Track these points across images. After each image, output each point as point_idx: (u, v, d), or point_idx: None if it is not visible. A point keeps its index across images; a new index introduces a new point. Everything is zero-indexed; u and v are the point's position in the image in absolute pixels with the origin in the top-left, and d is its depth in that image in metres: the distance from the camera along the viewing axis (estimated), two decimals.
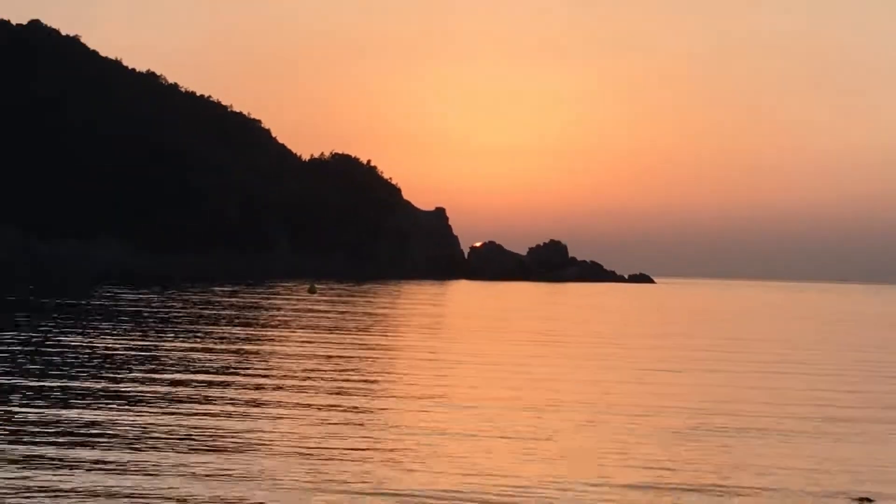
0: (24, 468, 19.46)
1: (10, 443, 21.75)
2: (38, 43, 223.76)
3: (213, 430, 24.03)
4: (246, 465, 20.07)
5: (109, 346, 45.35)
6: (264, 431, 24.32)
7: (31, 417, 25.01)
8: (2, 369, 34.46)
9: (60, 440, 22.29)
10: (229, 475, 19.12)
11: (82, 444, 21.96)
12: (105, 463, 20.01)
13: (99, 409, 26.90)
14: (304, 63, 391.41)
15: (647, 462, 22.03)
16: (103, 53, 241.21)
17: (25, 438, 22.26)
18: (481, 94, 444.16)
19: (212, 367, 38.83)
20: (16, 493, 17.61)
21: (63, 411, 26.14)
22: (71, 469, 19.66)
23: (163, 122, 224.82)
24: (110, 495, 17.53)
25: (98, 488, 17.93)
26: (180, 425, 24.62)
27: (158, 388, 31.67)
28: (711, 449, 24.14)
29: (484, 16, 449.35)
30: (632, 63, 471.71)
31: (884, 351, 63.76)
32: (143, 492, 17.68)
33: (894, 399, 37.24)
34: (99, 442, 22.47)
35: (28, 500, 17.22)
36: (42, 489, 17.91)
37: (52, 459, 20.26)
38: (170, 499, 17.38)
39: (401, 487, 18.52)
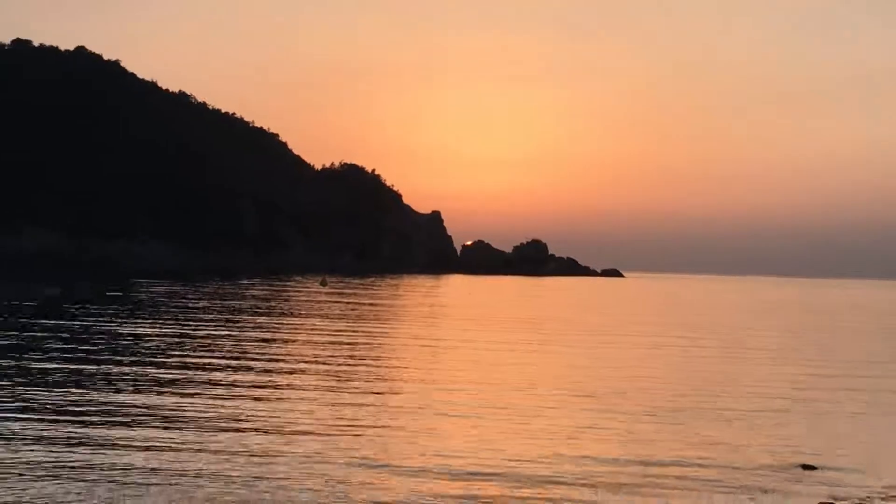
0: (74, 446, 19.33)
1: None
2: (83, 67, 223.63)
3: (234, 412, 23.99)
4: (266, 444, 19.97)
5: (147, 332, 45.39)
6: (283, 411, 24.33)
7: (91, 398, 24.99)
8: (66, 354, 35.29)
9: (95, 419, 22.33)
10: (250, 453, 19.02)
11: (123, 424, 21.80)
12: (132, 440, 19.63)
13: (138, 392, 26.91)
14: (317, 85, 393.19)
15: (616, 437, 22.28)
16: (140, 76, 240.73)
17: (95, 419, 22.23)
18: (471, 113, 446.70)
19: (236, 350, 38.86)
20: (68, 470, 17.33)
21: (102, 394, 26.04)
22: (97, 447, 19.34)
23: (193, 136, 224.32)
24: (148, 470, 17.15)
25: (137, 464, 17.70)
26: (206, 406, 24.61)
27: (187, 372, 31.64)
28: (672, 426, 24.32)
29: (473, 48, 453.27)
30: (600, 86, 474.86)
31: (812, 335, 62.73)
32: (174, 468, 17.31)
33: (819, 381, 36.64)
34: (135, 422, 22.22)
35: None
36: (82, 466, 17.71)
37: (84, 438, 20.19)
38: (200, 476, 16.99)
39: (403, 462, 18.62)
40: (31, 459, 17.79)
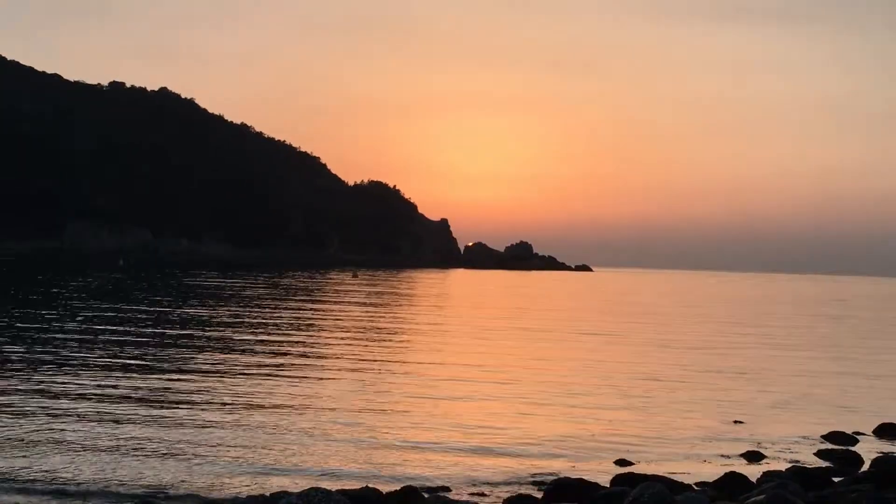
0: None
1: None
2: (166, 104, 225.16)
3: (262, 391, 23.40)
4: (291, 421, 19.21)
5: (205, 315, 45.61)
6: (312, 389, 23.94)
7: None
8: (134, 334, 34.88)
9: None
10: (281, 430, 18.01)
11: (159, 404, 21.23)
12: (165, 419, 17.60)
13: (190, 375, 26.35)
14: (350, 116, 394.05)
15: (584, 411, 21.93)
16: (210, 111, 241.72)
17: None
18: (473, 139, 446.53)
19: (282, 327, 38.34)
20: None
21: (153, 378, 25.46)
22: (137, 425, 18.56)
23: (251, 158, 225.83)
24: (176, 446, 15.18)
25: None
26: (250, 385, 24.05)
27: (247, 350, 31.44)
28: (625, 398, 23.99)
29: (475, 85, 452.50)
30: (577, 116, 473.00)
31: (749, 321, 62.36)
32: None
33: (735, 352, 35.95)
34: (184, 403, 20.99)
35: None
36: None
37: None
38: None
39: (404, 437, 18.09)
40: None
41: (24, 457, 13.76)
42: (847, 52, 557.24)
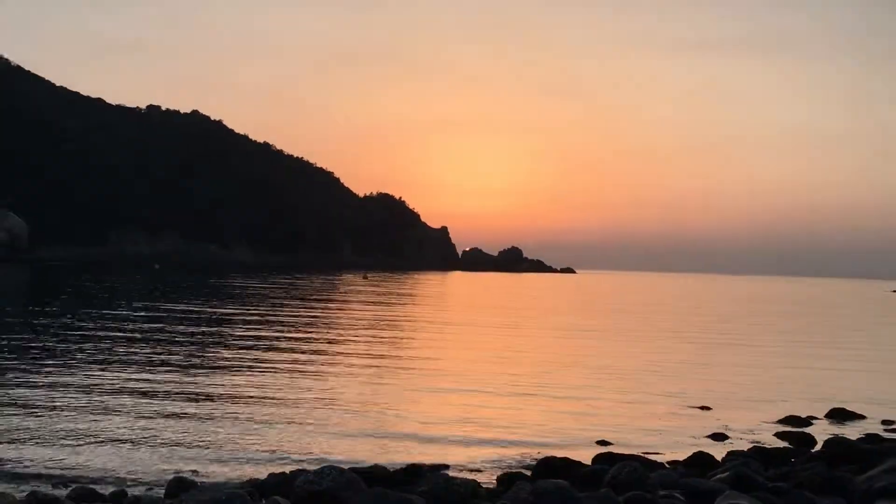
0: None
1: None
2: (197, 125, 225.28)
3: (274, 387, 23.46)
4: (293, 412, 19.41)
5: (230, 313, 45.59)
6: (324, 384, 23.94)
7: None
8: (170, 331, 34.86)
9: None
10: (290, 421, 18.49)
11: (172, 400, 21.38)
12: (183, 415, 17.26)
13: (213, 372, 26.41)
14: (361, 136, 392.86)
15: (565, 400, 21.99)
16: (237, 131, 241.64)
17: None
18: (470, 155, 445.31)
19: (296, 323, 38.48)
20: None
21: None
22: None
23: (273, 173, 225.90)
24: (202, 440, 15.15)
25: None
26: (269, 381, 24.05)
27: (267, 345, 31.46)
28: (604, 386, 24.02)
29: (471, 109, 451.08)
30: (561, 135, 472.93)
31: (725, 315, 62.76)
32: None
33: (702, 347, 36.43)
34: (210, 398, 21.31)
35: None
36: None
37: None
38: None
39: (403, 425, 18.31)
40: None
41: (64, 448, 13.70)
42: (798, 80, 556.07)
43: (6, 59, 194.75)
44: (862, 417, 18.90)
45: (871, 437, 15.91)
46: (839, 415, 19.11)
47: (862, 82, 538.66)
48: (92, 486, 11.01)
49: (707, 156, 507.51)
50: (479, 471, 12.87)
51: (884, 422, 18.45)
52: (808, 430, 17.20)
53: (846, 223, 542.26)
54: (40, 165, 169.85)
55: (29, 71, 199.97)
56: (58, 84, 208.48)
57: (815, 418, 18.63)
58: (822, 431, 16.97)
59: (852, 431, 17.09)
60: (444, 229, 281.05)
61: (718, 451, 14.29)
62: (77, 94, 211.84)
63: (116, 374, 21.29)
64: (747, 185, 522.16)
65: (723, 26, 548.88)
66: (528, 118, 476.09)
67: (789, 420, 18.22)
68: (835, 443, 14.44)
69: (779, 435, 16.62)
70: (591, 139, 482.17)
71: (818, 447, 15.15)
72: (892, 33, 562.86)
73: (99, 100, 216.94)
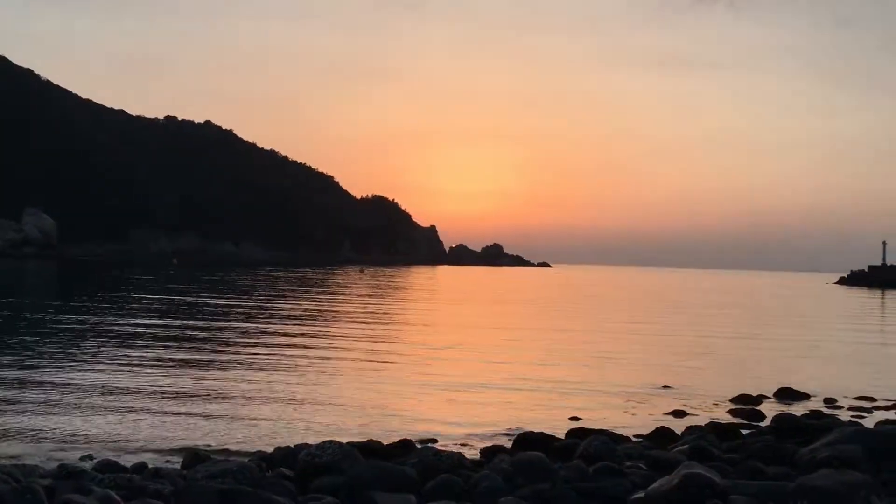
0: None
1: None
2: (210, 134, 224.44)
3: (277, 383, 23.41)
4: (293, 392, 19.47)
5: (242, 303, 45.44)
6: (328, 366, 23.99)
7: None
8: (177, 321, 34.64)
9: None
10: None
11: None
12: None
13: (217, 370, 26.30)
14: (359, 144, 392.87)
15: (539, 377, 21.95)
16: (246, 139, 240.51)
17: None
18: (457, 162, 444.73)
19: (300, 312, 38.53)
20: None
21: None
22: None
23: (279, 177, 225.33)
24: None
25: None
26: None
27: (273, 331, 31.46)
28: (577, 368, 24.01)
29: (459, 121, 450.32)
30: (541, 143, 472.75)
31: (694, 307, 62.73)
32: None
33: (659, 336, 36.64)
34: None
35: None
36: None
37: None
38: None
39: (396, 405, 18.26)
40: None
41: (83, 419, 13.72)
42: (746, 92, 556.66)
43: (37, 75, 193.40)
44: (806, 396, 18.96)
45: (814, 414, 15.96)
46: (786, 394, 19.16)
47: (814, 94, 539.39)
48: (115, 458, 10.98)
49: (672, 161, 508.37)
50: (464, 445, 12.86)
51: (825, 400, 18.52)
52: (758, 407, 17.24)
53: (797, 222, 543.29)
54: (69, 170, 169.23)
55: (58, 86, 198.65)
56: (84, 97, 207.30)
57: (765, 397, 18.68)
58: (770, 409, 17.00)
59: (798, 408, 17.13)
60: (432, 228, 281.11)
61: (678, 427, 14.29)
62: (101, 105, 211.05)
63: (136, 354, 21.24)
64: (708, 187, 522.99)
65: (685, 45, 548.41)
66: (509, 128, 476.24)
67: (742, 399, 18.26)
68: (782, 419, 14.48)
69: (732, 412, 16.66)
70: (567, 147, 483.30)
71: (767, 422, 15.17)
72: (838, 50, 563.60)
73: (121, 111, 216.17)
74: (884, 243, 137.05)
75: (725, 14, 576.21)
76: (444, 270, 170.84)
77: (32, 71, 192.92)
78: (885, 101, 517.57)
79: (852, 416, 16.32)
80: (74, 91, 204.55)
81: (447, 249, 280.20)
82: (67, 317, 32.01)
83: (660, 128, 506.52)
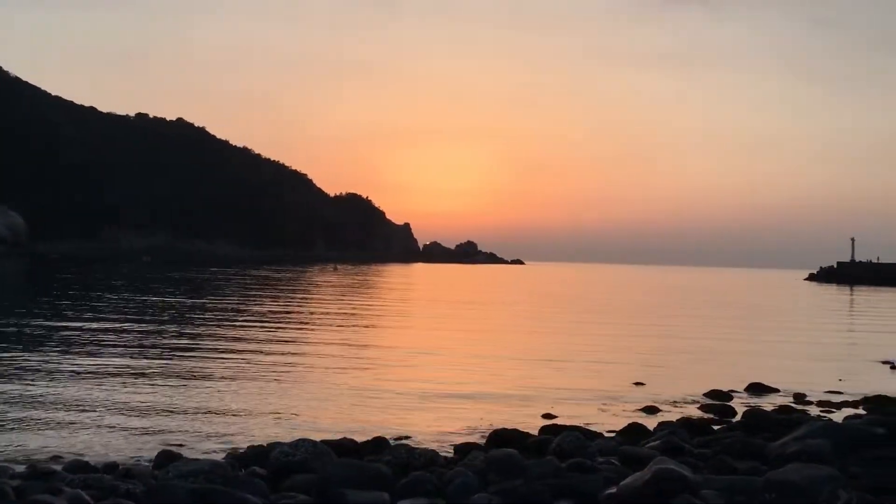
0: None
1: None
2: (182, 131, 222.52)
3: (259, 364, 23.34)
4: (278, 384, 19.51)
5: (215, 301, 45.11)
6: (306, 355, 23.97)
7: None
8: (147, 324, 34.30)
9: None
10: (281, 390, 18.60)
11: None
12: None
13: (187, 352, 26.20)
14: (333, 141, 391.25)
15: (511, 375, 21.86)
16: (218, 137, 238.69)
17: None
18: (430, 159, 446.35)
19: (272, 310, 38.38)
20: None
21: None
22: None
23: (252, 175, 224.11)
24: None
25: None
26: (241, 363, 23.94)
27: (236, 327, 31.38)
28: (551, 365, 23.98)
29: (432, 119, 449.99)
30: (514, 141, 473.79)
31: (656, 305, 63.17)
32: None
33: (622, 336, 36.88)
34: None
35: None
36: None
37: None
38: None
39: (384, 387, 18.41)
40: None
41: (56, 426, 13.54)
42: (719, 90, 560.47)
43: (6, 71, 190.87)
44: (776, 391, 19.17)
45: (784, 409, 16.16)
46: (756, 389, 19.37)
47: (786, 92, 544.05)
48: (86, 458, 10.86)
49: (647, 159, 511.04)
50: (438, 442, 12.85)
51: (795, 395, 18.71)
52: (729, 402, 17.38)
53: (768, 219, 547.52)
54: (39, 168, 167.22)
55: (27, 82, 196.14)
56: (54, 94, 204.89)
57: (736, 392, 18.84)
58: (741, 404, 17.16)
59: (768, 403, 17.32)
60: (406, 226, 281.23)
61: (650, 422, 14.40)
62: (72, 102, 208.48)
63: (102, 357, 21.02)
64: (682, 185, 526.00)
65: (661, 43, 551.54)
66: (483, 126, 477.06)
67: (713, 394, 18.42)
68: (752, 414, 14.65)
69: (703, 407, 16.78)
70: (541, 145, 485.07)
71: (738, 418, 15.34)
72: (811, 49, 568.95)
73: (92, 108, 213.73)
74: (852, 240, 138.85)
75: (702, 13, 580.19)
76: (418, 268, 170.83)
77: (1, 67, 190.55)
78: (856, 101, 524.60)
79: (821, 411, 16.52)
80: (44, 88, 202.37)
81: (421, 247, 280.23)
82: (30, 321, 31.61)
83: (635, 126, 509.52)
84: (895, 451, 10.44)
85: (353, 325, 33.32)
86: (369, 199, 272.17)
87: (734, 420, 15.17)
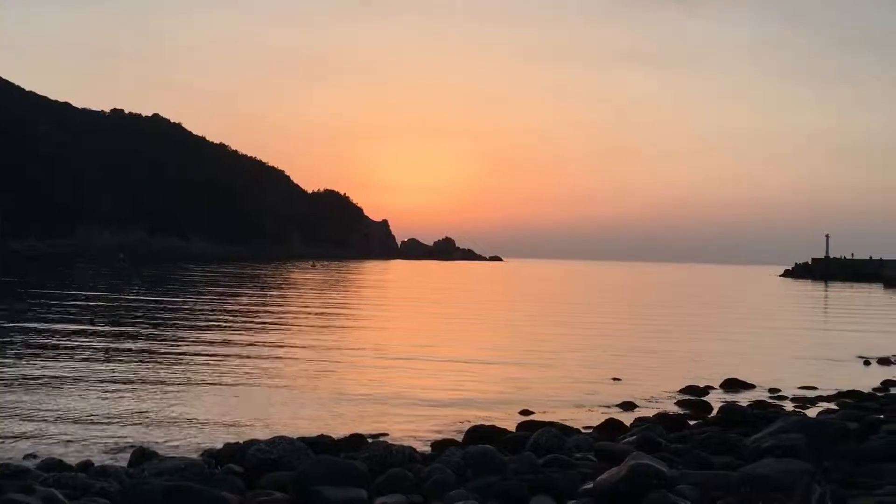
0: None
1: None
2: (158, 127, 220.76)
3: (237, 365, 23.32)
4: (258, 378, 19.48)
5: (190, 300, 44.83)
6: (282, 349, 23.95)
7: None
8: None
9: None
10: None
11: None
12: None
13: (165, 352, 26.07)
14: (310, 138, 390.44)
15: (493, 374, 21.92)
16: (195, 133, 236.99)
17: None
18: (407, 156, 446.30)
19: (249, 307, 38.32)
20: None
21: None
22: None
23: (229, 171, 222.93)
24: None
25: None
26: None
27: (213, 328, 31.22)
28: (527, 362, 24.08)
29: (409, 116, 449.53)
30: (491, 138, 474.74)
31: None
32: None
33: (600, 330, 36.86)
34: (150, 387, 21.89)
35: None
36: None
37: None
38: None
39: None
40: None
41: (29, 425, 13.39)
42: (692, 88, 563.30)
43: None
44: (752, 387, 19.31)
45: (759, 404, 16.28)
46: (732, 385, 19.50)
47: (759, 90, 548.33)
48: (60, 457, 10.76)
49: (622, 156, 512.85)
50: (415, 439, 12.85)
51: (770, 390, 18.88)
52: (705, 398, 17.51)
53: (742, 215, 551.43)
54: (11, 165, 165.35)
55: (1, 77, 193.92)
56: (27, 89, 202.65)
57: (712, 388, 18.97)
58: (717, 399, 17.28)
59: (744, 399, 17.44)
60: (384, 222, 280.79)
61: (627, 418, 14.47)
62: (45, 98, 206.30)
63: (82, 346, 20.83)
64: (655, 181, 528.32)
65: (636, 41, 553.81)
66: (461, 122, 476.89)
67: (689, 390, 18.54)
68: (728, 409, 14.76)
69: (680, 403, 16.90)
70: (519, 141, 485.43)
71: (714, 413, 15.46)
72: (785, 47, 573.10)
73: (66, 104, 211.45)
74: (827, 237, 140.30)
75: (678, 11, 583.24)
76: (396, 265, 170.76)
77: None
78: (830, 98, 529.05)
79: (795, 407, 16.68)
80: (17, 82, 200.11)
81: (399, 244, 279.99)
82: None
83: (612, 123, 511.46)
84: (868, 445, 10.57)
85: (331, 325, 33.19)
86: (347, 195, 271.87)
87: (710, 416, 15.28)
